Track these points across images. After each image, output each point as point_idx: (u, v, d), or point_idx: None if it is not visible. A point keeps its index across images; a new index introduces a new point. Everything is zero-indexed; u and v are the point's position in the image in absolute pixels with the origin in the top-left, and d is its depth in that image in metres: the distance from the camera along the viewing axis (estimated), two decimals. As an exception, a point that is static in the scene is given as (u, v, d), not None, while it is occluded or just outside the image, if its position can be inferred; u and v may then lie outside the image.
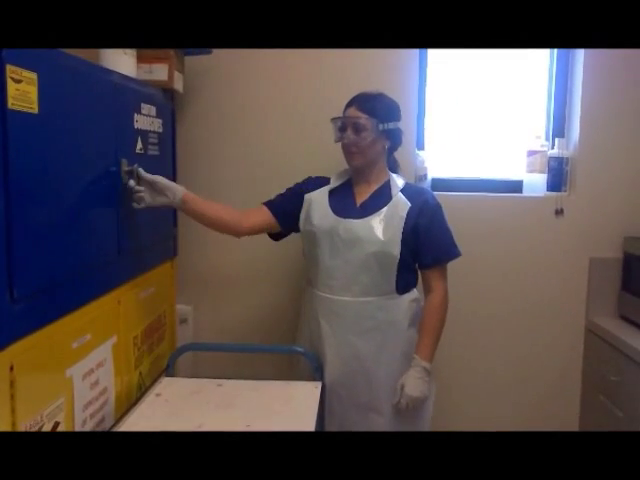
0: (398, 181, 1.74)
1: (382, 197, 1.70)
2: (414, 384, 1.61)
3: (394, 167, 1.81)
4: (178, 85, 1.90)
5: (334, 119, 1.71)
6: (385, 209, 1.67)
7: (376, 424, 1.67)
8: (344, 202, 1.73)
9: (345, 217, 1.68)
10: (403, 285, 1.70)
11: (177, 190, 1.58)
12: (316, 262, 1.71)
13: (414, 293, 1.75)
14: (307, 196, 1.75)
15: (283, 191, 1.81)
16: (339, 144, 1.72)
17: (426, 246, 1.68)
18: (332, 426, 1.70)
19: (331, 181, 1.78)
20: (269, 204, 1.77)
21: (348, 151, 1.69)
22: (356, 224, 1.66)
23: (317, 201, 1.73)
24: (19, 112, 1.07)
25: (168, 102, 1.91)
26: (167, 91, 1.88)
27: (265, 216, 1.75)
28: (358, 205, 1.72)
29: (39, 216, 1.17)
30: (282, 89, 2.06)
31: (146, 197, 1.53)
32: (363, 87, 1.73)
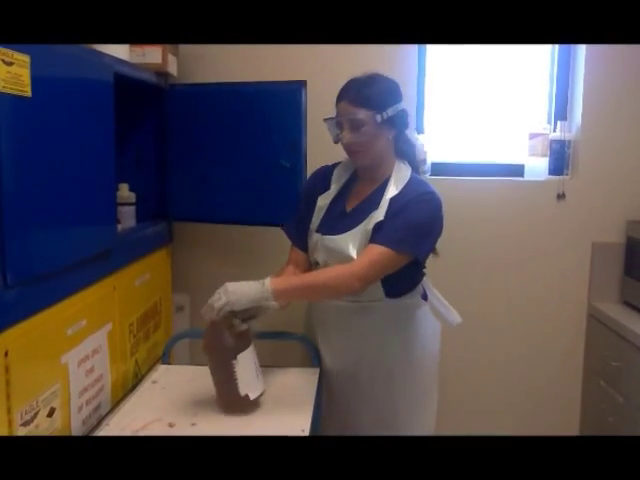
0: (400, 178, 1.51)
1: (373, 201, 1.51)
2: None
3: (406, 150, 1.57)
4: (172, 68, 1.88)
5: (327, 119, 1.51)
6: (362, 225, 1.49)
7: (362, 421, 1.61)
8: (336, 208, 1.57)
9: (325, 233, 1.54)
10: (396, 289, 1.54)
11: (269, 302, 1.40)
12: None
13: (411, 297, 1.59)
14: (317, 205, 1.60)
15: (296, 218, 1.66)
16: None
17: (382, 226, 1.46)
18: (331, 412, 1.68)
19: (334, 178, 1.61)
20: (297, 243, 1.64)
21: (350, 151, 1.51)
22: (334, 241, 1.51)
23: (318, 212, 1.59)
24: (10, 95, 1.05)
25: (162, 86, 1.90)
26: (161, 75, 1.86)
27: (303, 257, 1.63)
28: (348, 211, 1.55)
29: (32, 202, 1.16)
30: (278, 76, 2.02)
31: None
32: (360, 70, 1.63)
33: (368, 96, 1.45)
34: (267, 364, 1.67)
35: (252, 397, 1.36)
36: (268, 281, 1.40)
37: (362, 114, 1.44)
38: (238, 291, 1.37)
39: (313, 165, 1.76)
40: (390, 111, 1.46)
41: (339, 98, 1.49)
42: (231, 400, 1.36)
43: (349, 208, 1.57)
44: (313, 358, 1.69)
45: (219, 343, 1.36)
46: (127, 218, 1.75)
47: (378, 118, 1.45)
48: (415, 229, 1.45)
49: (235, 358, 1.34)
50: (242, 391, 1.34)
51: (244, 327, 1.37)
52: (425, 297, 1.65)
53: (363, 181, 1.58)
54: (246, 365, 1.35)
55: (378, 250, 1.43)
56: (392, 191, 1.50)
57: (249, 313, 1.40)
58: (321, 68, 2.10)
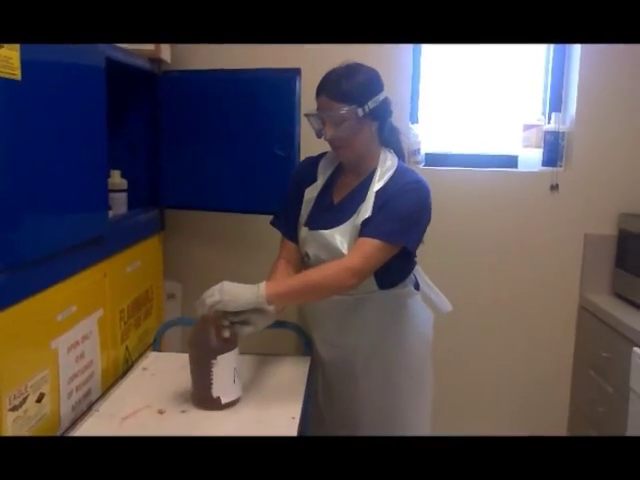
0: (385, 169, 1.49)
1: (360, 194, 1.49)
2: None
3: (391, 139, 1.55)
4: (165, 55, 1.86)
5: (307, 115, 1.48)
6: (350, 220, 1.47)
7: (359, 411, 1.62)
8: (324, 201, 1.56)
9: (315, 228, 1.52)
10: (388, 281, 1.54)
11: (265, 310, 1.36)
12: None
13: (403, 287, 1.58)
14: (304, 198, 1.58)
15: (285, 211, 1.63)
16: None
17: (371, 219, 1.45)
18: (330, 403, 1.68)
19: (320, 170, 1.59)
20: (288, 236, 1.62)
21: (333, 146, 1.49)
22: (324, 236, 1.49)
23: (305, 205, 1.58)
24: (0, 78, 1.04)
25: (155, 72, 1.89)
26: (154, 61, 1.84)
27: (294, 250, 1.60)
28: (335, 203, 1.54)
29: (22, 187, 1.15)
30: (273, 63, 2.01)
31: (245, 329, 1.37)
32: (357, 57, 1.57)
33: (348, 90, 1.40)
34: (259, 352, 1.68)
35: (223, 401, 1.35)
36: (263, 285, 1.37)
37: (343, 110, 1.40)
38: (233, 291, 1.34)
39: (307, 154, 1.74)
40: (371, 103, 1.42)
41: (318, 92, 1.44)
42: (203, 398, 1.36)
43: (336, 200, 1.55)
44: (305, 347, 1.69)
45: (202, 340, 1.35)
46: (119, 205, 1.75)
47: (359, 112, 1.40)
48: (404, 219, 1.44)
49: (215, 358, 1.32)
50: (215, 393, 1.34)
51: (226, 334, 1.34)
52: (417, 286, 1.65)
53: (349, 173, 1.56)
54: (224, 368, 1.34)
55: (369, 243, 1.41)
56: (378, 184, 1.48)
57: (242, 317, 1.36)
58: (316, 55, 2.07)
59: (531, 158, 2.29)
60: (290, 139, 1.81)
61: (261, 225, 2.00)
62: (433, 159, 2.27)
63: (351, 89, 1.41)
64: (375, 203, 1.46)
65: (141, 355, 1.76)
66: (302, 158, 1.80)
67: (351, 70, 1.44)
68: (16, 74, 1.09)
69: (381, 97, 1.46)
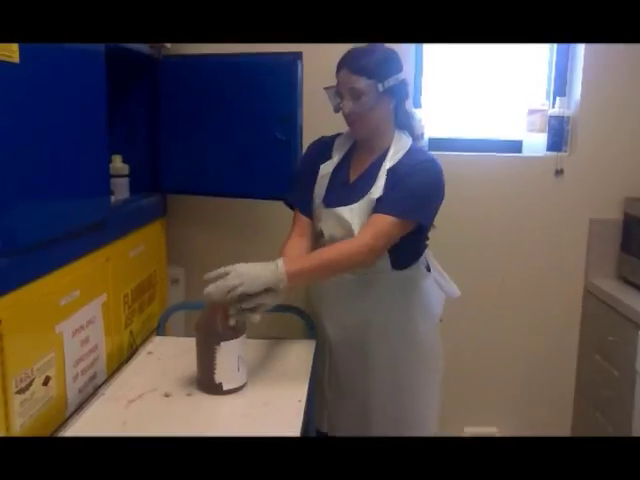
0: (399, 149, 1.51)
1: (374, 172, 1.51)
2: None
3: (405, 122, 1.57)
4: (166, 39, 1.85)
5: (327, 88, 1.50)
6: (364, 199, 1.49)
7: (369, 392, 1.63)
8: (339, 178, 1.57)
9: (330, 205, 1.54)
10: (402, 260, 1.56)
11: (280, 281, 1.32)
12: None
13: (416, 268, 1.60)
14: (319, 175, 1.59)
15: (297, 186, 1.63)
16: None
17: (384, 196, 1.47)
18: (338, 388, 1.68)
19: (335, 148, 1.60)
20: (302, 210, 1.61)
21: (349, 121, 1.51)
22: (339, 214, 1.51)
23: (320, 180, 1.58)
24: (-3, 61, 1.03)
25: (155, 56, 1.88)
26: (154, 46, 1.83)
27: (308, 224, 1.61)
28: (351, 182, 1.56)
29: (22, 171, 1.14)
30: (274, 47, 1.98)
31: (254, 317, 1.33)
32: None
33: (369, 65, 1.44)
34: (265, 336, 1.68)
35: (225, 388, 1.34)
36: (281, 262, 1.34)
37: (362, 83, 1.43)
38: (252, 273, 1.30)
39: (309, 139, 1.74)
40: (391, 80, 1.45)
41: (339, 66, 1.47)
42: (207, 383, 1.36)
43: (352, 178, 1.57)
44: (309, 330, 1.69)
45: (208, 325, 1.34)
46: (121, 190, 1.74)
47: (379, 87, 1.43)
48: (417, 196, 1.45)
49: (219, 344, 1.31)
50: (217, 378, 1.33)
51: (232, 322, 1.31)
52: (429, 269, 1.66)
53: (364, 151, 1.57)
54: (228, 355, 1.33)
55: (383, 219, 1.43)
56: (390, 162, 1.50)
57: (256, 302, 1.32)
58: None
59: (535, 143, 2.27)
60: (292, 123, 1.80)
61: (264, 210, 2.00)
62: (437, 144, 2.26)
63: (372, 64, 1.44)
64: (387, 181, 1.48)
65: (145, 340, 1.75)
66: (304, 143, 1.79)
67: (372, 48, 1.47)
68: (14, 57, 1.07)
69: (400, 77, 1.49)
